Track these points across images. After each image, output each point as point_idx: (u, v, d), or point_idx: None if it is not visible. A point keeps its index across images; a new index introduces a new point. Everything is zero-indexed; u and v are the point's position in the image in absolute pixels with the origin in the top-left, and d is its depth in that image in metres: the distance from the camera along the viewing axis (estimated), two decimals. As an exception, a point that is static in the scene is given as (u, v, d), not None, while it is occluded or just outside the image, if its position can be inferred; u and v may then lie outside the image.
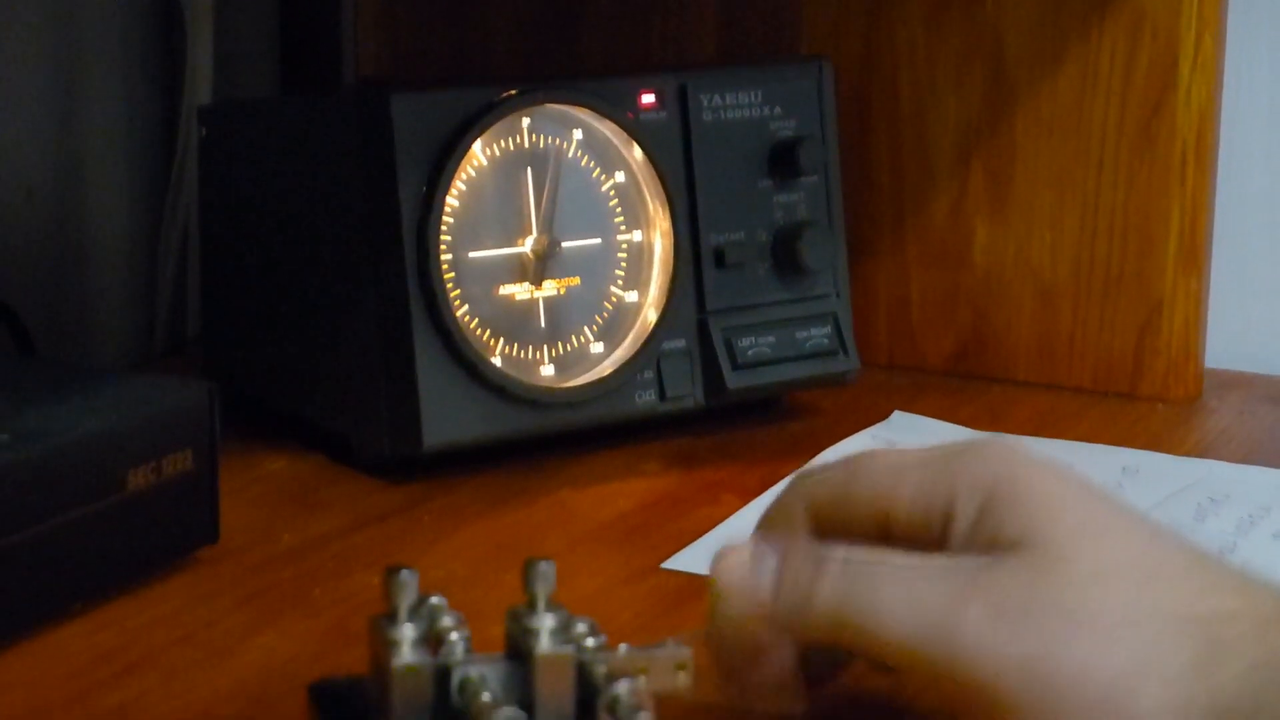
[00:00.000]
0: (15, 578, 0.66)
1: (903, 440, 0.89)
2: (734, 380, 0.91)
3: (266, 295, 0.94)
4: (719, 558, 0.60)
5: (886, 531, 0.58)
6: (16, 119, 1.09)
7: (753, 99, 0.93)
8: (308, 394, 0.91)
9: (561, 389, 0.87)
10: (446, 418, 0.85)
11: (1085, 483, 0.57)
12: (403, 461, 0.86)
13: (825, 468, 0.62)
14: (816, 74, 0.95)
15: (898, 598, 0.55)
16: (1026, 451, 0.57)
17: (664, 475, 0.88)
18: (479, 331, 0.86)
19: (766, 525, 0.62)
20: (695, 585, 0.74)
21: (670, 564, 0.77)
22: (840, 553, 0.57)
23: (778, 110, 0.93)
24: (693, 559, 0.77)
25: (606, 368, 0.89)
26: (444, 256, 0.84)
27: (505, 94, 0.86)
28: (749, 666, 0.59)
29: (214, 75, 1.15)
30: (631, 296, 0.90)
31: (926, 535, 0.57)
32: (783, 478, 0.84)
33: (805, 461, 0.87)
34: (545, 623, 0.55)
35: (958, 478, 0.57)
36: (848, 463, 0.61)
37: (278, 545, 0.78)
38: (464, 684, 0.54)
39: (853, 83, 1.05)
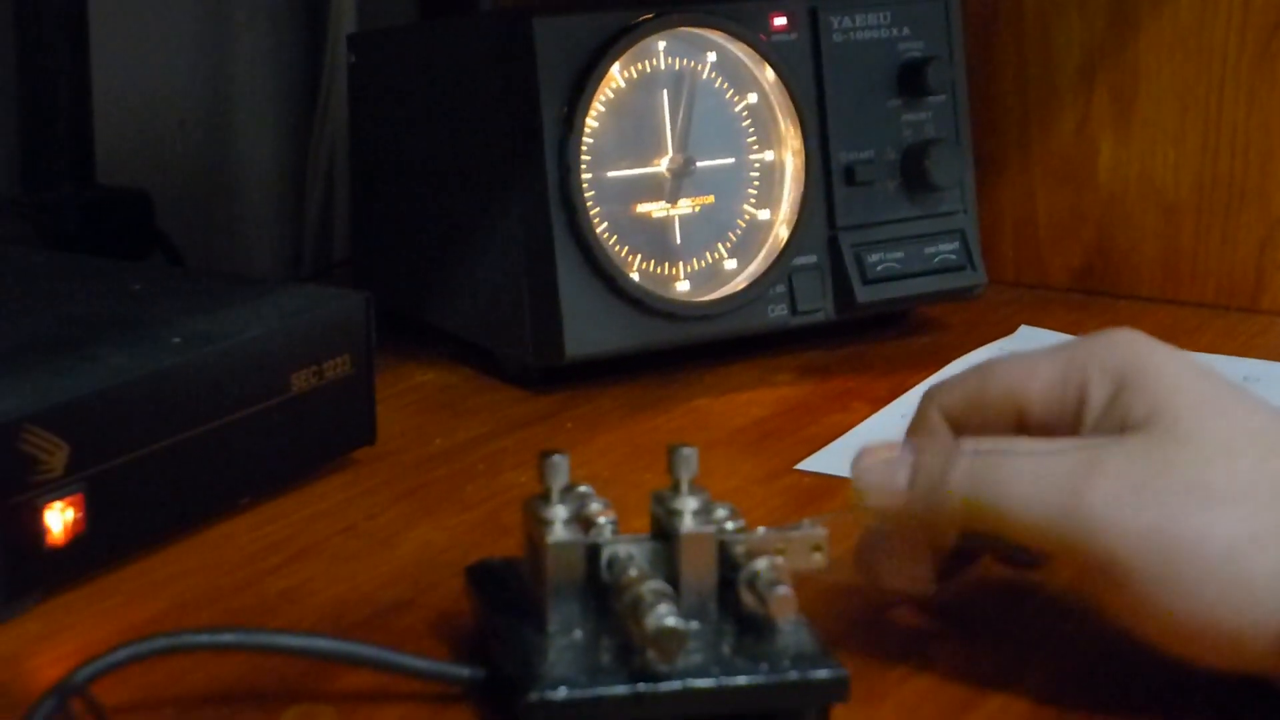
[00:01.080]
0: (189, 472, 0.70)
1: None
2: (863, 294, 0.94)
3: (414, 215, 0.98)
4: (859, 456, 0.63)
5: (1022, 425, 0.61)
6: (169, 53, 1.13)
7: (881, 20, 0.95)
8: (455, 309, 0.95)
9: (696, 303, 0.91)
10: (587, 330, 0.88)
11: (1208, 366, 0.59)
12: (545, 372, 0.90)
13: (958, 375, 0.64)
14: (944, -4, 0.98)
15: (1028, 478, 0.57)
16: (1151, 339, 0.60)
17: (796, 385, 0.92)
18: (617, 248, 0.89)
19: (908, 435, 0.65)
20: (828, 485, 0.77)
21: (804, 465, 0.80)
22: (970, 444, 0.60)
23: (905, 31, 0.96)
24: (826, 461, 0.80)
25: (740, 283, 0.92)
26: (584, 175, 0.88)
27: (642, 18, 0.89)
28: (885, 555, 0.63)
29: (356, 5, 1.19)
30: (764, 214, 0.93)
31: (1060, 424, 0.60)
32: (911, 388, 0.88)
33: (933, 373, 0.90)
34: (688, 504, 0.58)
35: (1089, 365, 0.60)
36: (979, 367, 0.64)
37: (430, 447, 0.82)
38: (613, 561, 0.58)
39: (980, 4, 1.08)
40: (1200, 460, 0.56)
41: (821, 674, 0.56)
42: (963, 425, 0.63)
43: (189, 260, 1.09)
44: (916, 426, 0.64)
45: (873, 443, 0.63)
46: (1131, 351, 0.60)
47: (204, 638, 0.57)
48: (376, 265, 1.02)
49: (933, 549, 0.62)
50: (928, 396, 0.64)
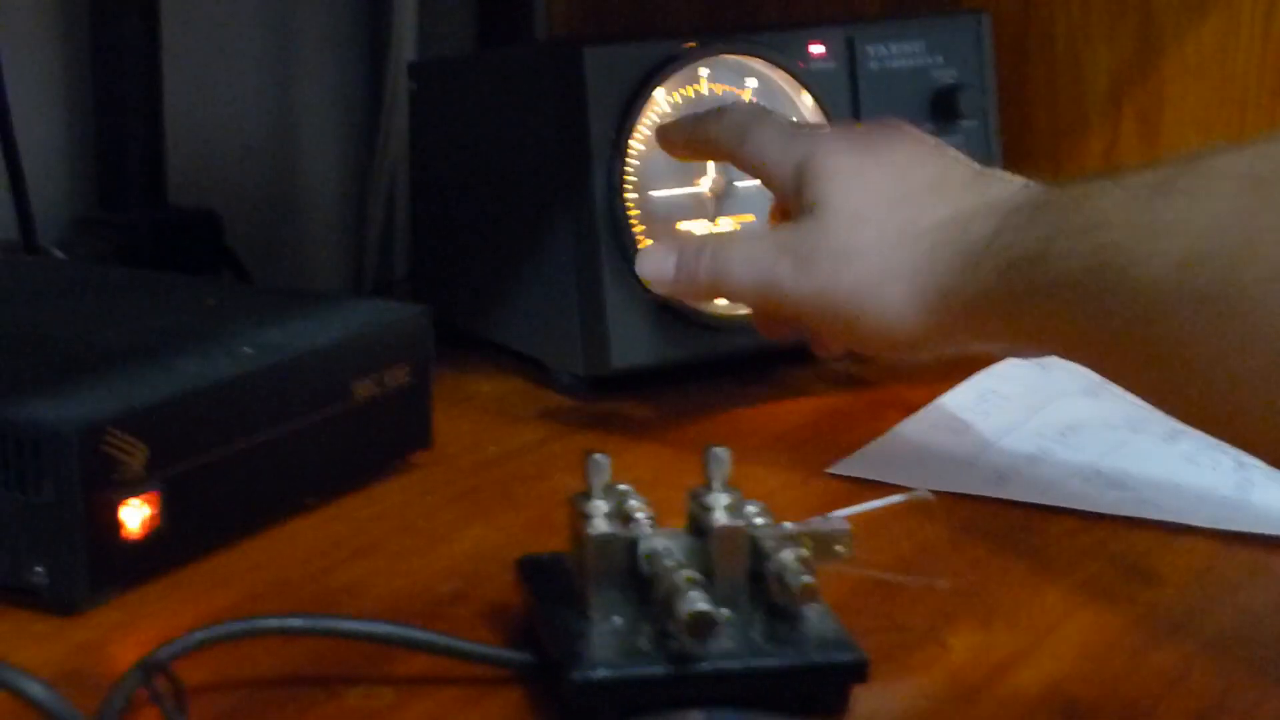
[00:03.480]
0: (258, 474, 0.75)
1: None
2: (897, 309, 0.98)
3: (470, 234, 1.03)
4: (641, 254, 0.86)
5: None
6: (235, 83, 1.18)
7: (915, 49, 1.00)
8: (509, 323, 1.00)
9: (736, 317, 0.95)
10: (632, 341, 0.93)
11: (877, 145, 0.78)
12: (593, 382, 0.95)
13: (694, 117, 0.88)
14: (976, 25, 1.02)
15: (742, 265, 0.80)
16: (841, 139, 0.81)
17: (829, 395, 0.96)
18: (663, 264, 0.94)
19: (661, 134, 0.90)
20: (857, 488, 0.81)
21: (835, 469, 0.84)
22: (714, 237, 0.84)
23: (939, 59, 1.00)
24: (856, 465, 0.84)
25: (779, 297, 0.97)
26: (630, 195, 0.93)
27: (686, 46, 0.94)
28: None
29: (416, 33, 1.24)
30: (802, 232, 0.98)
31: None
32: (938, 397, 0.92)
33: (960, 381, 0.94)
34: (721, 500, 0.63)
35: (785, 162, 0.81)
36: (710, 113, 0.87)
37: (484, 453, 0.87)
38: (650, 553, 0.62)
39: (1010, 33, 1.12)
40: (842, 227, 0.76)
41: (843, 657, 0.60)
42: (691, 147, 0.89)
43: (256, 277, 1.13)
44: (667, 132, 0.90)
45: (650, 245, 0.87)
46: (812, 146, 0.80)
47: (274, 622, 0.62)
48: (436, 281, 1.07)
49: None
50: (676, 121, 0.90)
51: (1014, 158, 1.09)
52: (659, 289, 0.85)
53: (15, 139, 1.00)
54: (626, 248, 0.92)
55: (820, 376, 0.98)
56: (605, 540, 0.62)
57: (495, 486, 0.83)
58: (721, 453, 0.63)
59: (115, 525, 0.69)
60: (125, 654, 0.65)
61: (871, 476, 0.82)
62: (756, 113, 0.86)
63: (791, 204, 0.80)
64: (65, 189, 1.09)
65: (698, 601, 0.59)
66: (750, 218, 0.96)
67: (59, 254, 1.04)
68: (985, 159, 1.00)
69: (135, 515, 0.69)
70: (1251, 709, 0.61)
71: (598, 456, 0.63)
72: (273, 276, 1.19)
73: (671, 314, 0.93)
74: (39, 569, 0.68)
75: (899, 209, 0.76)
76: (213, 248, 1.11)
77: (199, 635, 0.59)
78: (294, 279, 1.22)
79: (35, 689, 0.47)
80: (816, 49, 0.97)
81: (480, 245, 1.02)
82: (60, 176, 1.09)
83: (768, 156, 0.82)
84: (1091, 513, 0.78)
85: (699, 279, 0.82)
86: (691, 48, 0.94)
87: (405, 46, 1.22)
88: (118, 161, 1.08)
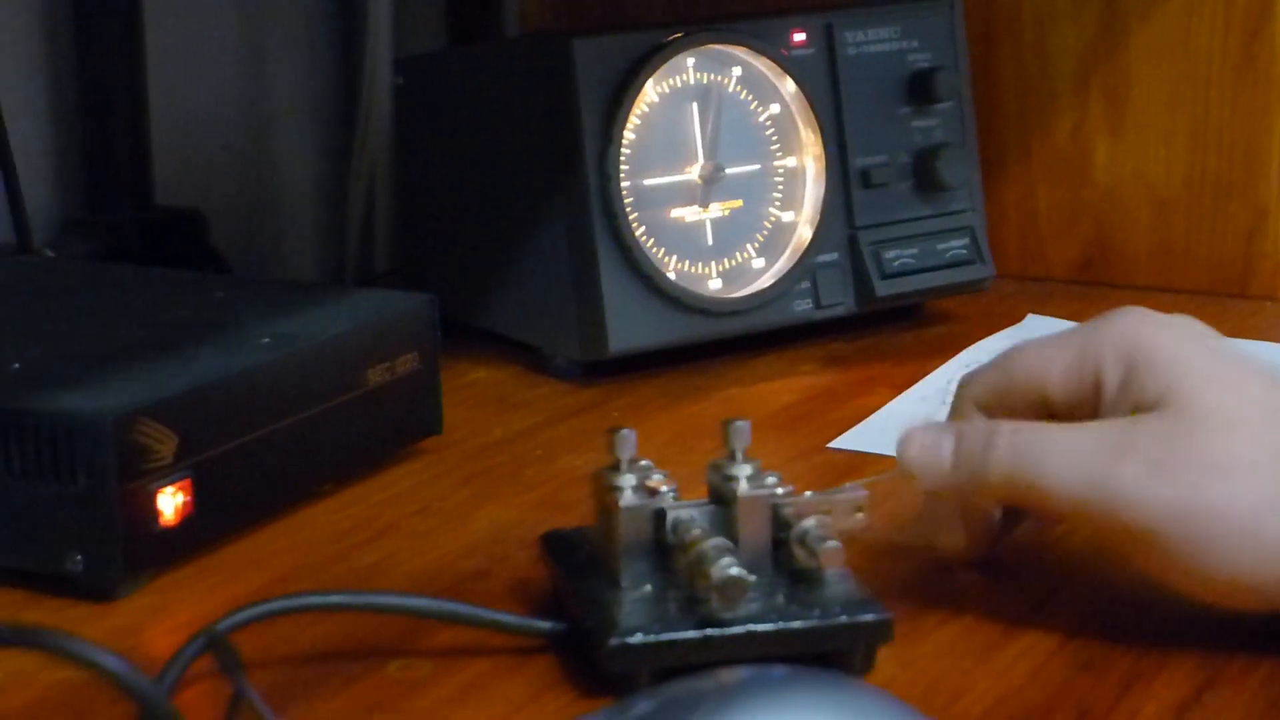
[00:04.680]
0: (280, 459, 0.77)
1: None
2: (882, 289, 1.01)
3: (462, 225, 1.05)
4: (904, 436, 0.68)
5: (1045, 409, 0.67)
6: (214, 85, 1.20)
7: (891, 34, 1.02)
8: (503, 311, 1.02)
9: (728, 299, 0.98)
10: (628, 326, 0.95)
11: (1209, 335, 0.66)
12: (590, 366, 0.97)
13: (983, 367, 0.70)
14: (948, 10, 1.04)
15: (1061, 457, 0.64)
16: (1155, 316, 0.66)
17: (821, 373, 0.98)
18: (655, 249, 0.96)
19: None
20: (858, 460, 0.84)
21: (836, 443, 0.87)
22: (1008, 425, 0.66)
23: (914, 44, 1.03)
24: (857, 439, 0.87)
25: (767, 280, 0.99)
26: (622, 183, 0.95)
27: (672, 37, 0.96)
28: (933, 525, 0.70)
29: (391, 32, 1.25)
30: (788, 216, 1.00)
31: (1080, 407, 0.66)
32: (928, 374, 0.95)
33: (948, 359, 0.97)
34: (743, 470, 0.65)
35: (1101, 350, 0.66)
36: (1001, 358, 0.70)
37: (490, 437, 0.89)
38: (676, 523, 0.64)
39: (980, 17, 1.14)
40: (1211, 436, 0.62)
41: (868, 617, 0.62)
42: (992, 413, 0.69)
43: (238, 274, 1.15)
44: (954, 415, 0.71)
45: (915, 425, 0.69)
46: (1137, 333, 0.66)
47: (316, 599, 0.64)
48: (425, 273, 1.09)
49: (970, 520, 0.70)
50: (960, 387, 0.71)
51: (986, 137, 1.12)
52: (927, 482, 0.68)
53: (8, 141, 1.01)
54: (620, 234, 0.94)
55: (808, 356, 1.00)
56: (635, 511, 0.64)
57: (504, 468, 0.85)
58: (742, 425, 0.66)
59: (148, 512, 0.70)
60: (161, 639, 0.68)
61: (873, 450, 0.84)
62: (1031, 340, 0.70)
63: (1105, 399, 0.66)
64: (53, 191, 1.10)
65: (730, 567, 0.61)
66: (738, 203, 0.98)
67: (51, 255, 1.05)
68: (961, 139, 1.04)
69: (168, 502, 0.71)
70: (1255, 663, 0.64)
71: (624, 431, 0.65)
72: (254, 274, 1.20)
73: (665, 298, 0.95)
74: (76, 557, 0.70)
75: (1276, 425, 0.63)
76: (198, 246, 1.12)
77: (255, 610, 0.61)
78: (275, 275, 1.23)
79: (110, 660, 0.49)
80: (798, 36, 0.99)
81: (472, 236, 1.04)
82: (48, 179, 1.10)
83: (1059, 362, 0.67)
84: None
85: (990, 472, 0.65)
86: (678, 38, 0.96)
87: (381, 44, 1.23)
88: (105, 163, 1.10)
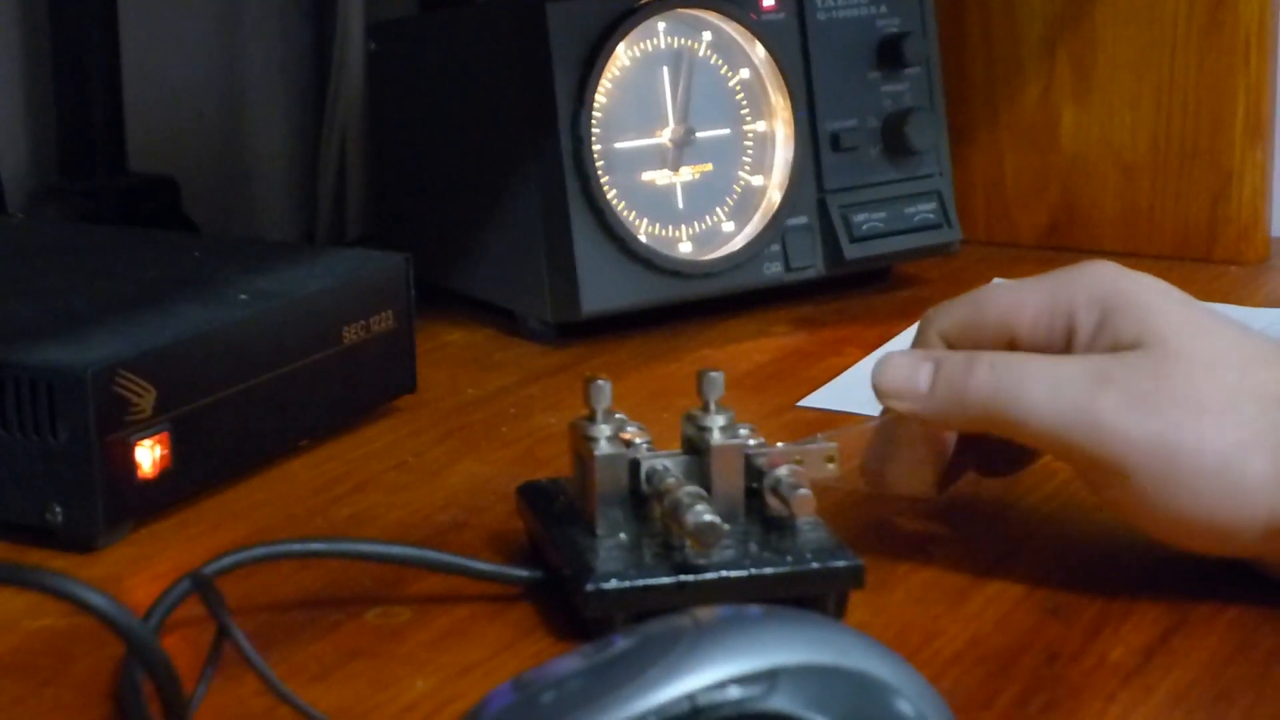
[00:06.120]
0: (257, 414, 0.78)
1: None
2: (851, 252, 1.02)
3: (435, 189, 1.06)
4: (880, 363, 0.68)
5: (1013, 350, 0.67)
6: (187, 53, 1.20)
7: (861, 0, 1.04)
8: (477, 274, 1.03)
9: (699, 262, 0.99)
10: (601, 288, 0.96)
11: (1178, 291, 0.66)
12: (563, 328, 0.98)
13: (952, 302, 0.70)
14: (917, -24, 1.05)
15: (1042, 386, 0.64)
16: (1126, 269, 0.67)
17: (791, 335, 0.99)
18: (626, 212, 0.97)
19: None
20: (828, 418, 0.85)
21: (805, 402, 0.88)
22: (988, 354, 0.66)
23: (883, 9, 1.04)
24: (825, 397, 0.88)
25: (738, 243, 1.00)
26: (595, 147, 0.96)
27: (644, 1, 0.97)
28: (891, 464, 0.70)
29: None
30: (758, 180, 1.01)
31: (1050, 349, 0.66)
32: (896, 335, 0.96)
33: (916, 321, 0.98)
34: (717, 421, 0.66)
35: (1075, 293, 0.66)
36: (973, 295, 0.70)
37: (464, 396, 0.90)
38: (651, 473, 0.65)
39: (948, -18, 1.16)
40: (1191, 375, 0.62)
41: (840, 563, 0.63)
42: (956, 348, 0.69)
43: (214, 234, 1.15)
44: (918, 345, 0.70)
45: (893, 353, 0.69)
46: (1112, 280, 0.66)
47: (298, 546, 0.65)
48: (398, 237, 1.10)
49: (934, 458, 0.70)
50: (926, 320, 0.71)
51: (954, 103, 1.13)
52: (902, 406, 0.67)
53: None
54: (593, 196, 0.95)
55: (778, 319, 1.02)
56: (610, 460, 0.65)
57: (479, 426, 0.86)
58: (716, 376, 0.66)
59: (128, 465, 0.71)
60: (142, 588, 0.68)
61: (841, 408, 0.86)
62: (1003, 282, 0.72)
63: (1078, 341, 0.66)
64: (26, 158, 1.11)
65: (704, 514, 0.62)
66: (709, 166, 0.99)
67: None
68: (930, 104, 1.05)
69: (146, 455, 0.72)
70: (1221, 608, 0.65)
71: (600, 381, 0.66)
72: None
73: (637, 260, 0.96)
74: (56, 508, 0.70)
75: (1253, 368, 0.63)
76: (172, 213, 1.13)
77: (240, 555, 0.62)
78: (248, 242, 1.23)
79: (95, 598, 0.50)
80: (768, 1, 1.00)
81: (445, 200, 1.05)
82: (22, 146, 1.10)
83: (1032, 304, 0.68)
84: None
85: (970, 398, 0.65)
86: (650, 2, 0.97)
87: (354, 10, 1.24)
88: (78, 130, 1.10)
